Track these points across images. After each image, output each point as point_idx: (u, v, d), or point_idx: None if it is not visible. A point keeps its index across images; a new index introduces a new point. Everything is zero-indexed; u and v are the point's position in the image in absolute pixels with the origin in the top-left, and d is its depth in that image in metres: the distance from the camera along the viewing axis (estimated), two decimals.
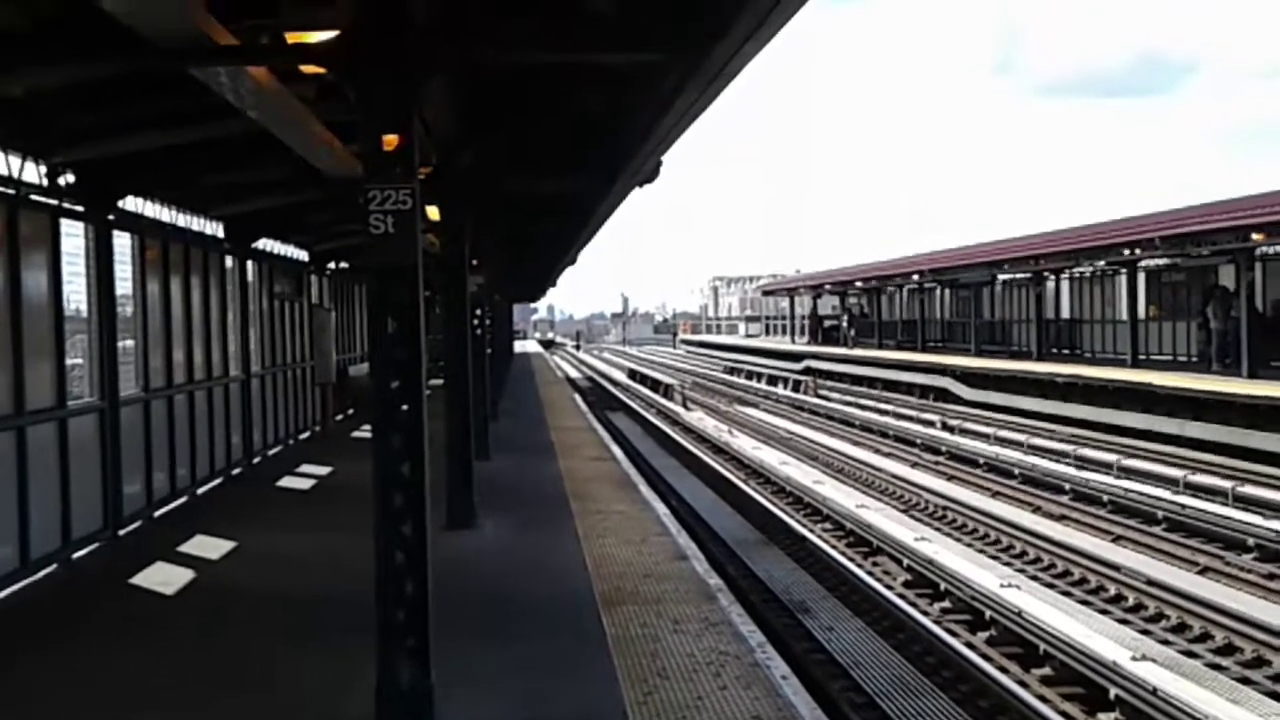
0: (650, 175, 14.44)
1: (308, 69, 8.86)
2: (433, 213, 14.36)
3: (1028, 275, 42.02)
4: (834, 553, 17.95)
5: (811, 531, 19.82)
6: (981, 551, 18.04)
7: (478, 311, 22.43)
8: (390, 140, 7.32)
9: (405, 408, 7.36)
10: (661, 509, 16.01)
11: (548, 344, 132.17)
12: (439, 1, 8.22)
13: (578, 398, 41.46)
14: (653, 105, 10.48)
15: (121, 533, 13.95)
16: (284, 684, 8.62)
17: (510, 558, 12.82)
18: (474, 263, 19.03)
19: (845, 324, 64.19)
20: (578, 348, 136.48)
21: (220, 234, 18.72)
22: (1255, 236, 28.00)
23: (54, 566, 12.17)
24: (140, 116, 11.87)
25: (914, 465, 28.00)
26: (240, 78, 8.95)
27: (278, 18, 7.92)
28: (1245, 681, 11.58)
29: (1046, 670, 12.11)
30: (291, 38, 8.04)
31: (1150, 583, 15.22)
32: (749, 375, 64.19)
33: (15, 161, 11.78)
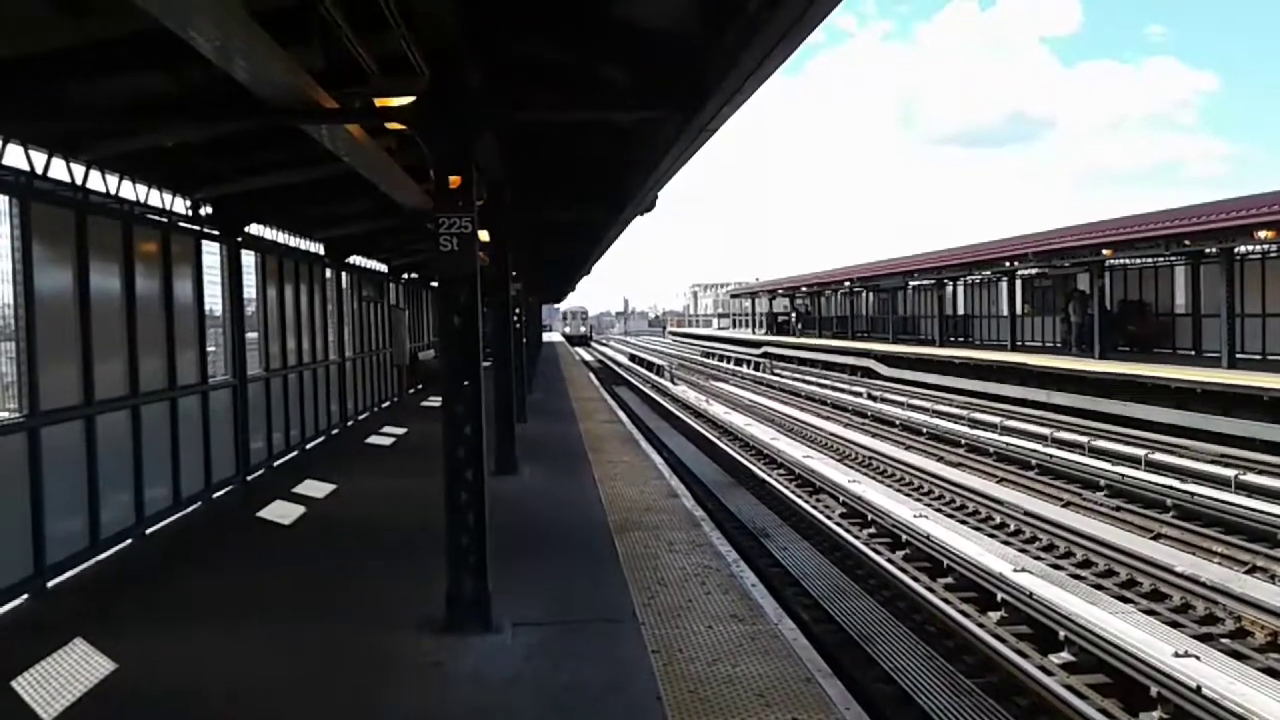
0: (649, 206, 14.40)
1: (391, 125, 8.83)
2: (483, 235, 14.32)
3: (932, 281, 41.99)
4: (787, 492, 17.97)
5: (770, 476, 19.83)
6: (899, 491, 18.08)
7: (516, 310, 22.38)
8: (454, 180, 7.31)
9: (467, 383, 7.36)
10: (658, 459, 15.98)
11: (581, 339, 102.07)
12: (490, 74, 8.20)
13: (592, 376, 41.43)
14: (652, 153, 10.45)
15: (249, 478, 13.93)
16: (374, 591, 8.61)
17: (544, 496, 12.79)
18: (513, 273, 18.98)
19: (794, 319, 64.22)
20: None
21: (321, 251, 18.65)
22: (1105, 252, 28.05)
23: (199, 504, 12.16)
24: (261, 162, 11.85)
25: (846, 425, 28.01)
26: (337, 132, 8.93)
27: (368, 85, 7.90)
28: (1099, 588, 11.62)
29: (949, 580, 12.14)
30: (379, 102, 8.02)
31: (1027, 514, 15.25)
32: (721, 358, 64.19)
33: (168, 197, 11.75)
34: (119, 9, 5.92)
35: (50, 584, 8.68)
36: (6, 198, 8.33)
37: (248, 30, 6.10)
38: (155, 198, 11.47)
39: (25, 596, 8.31)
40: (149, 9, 5.60)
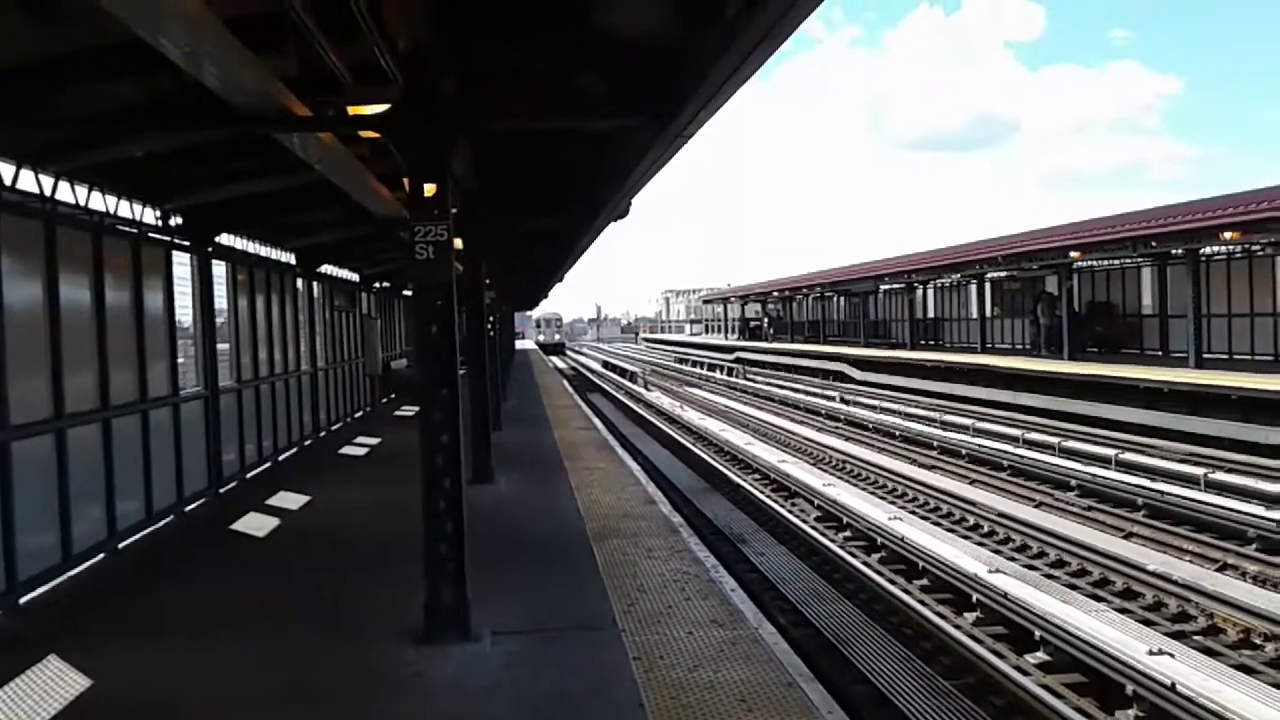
0: (623, 213, 14.38)
1: (365, 134, 8.80)
2: (457, 244, 14.23)
3: (903, 285, 42.28)
4: (762, 496, 18.00)
5: (745, 480, 19.85)
6: (873, 494, 18.14)
7: (490, 318, 22.31)
8: (430, 188, 7.30)
9: (444, 392, 7.33)
10: (634, 466, 15.99)
11: (555, 348, 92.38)
12: (465, 82, 8.18)
13: (565, 383, 41.37)
14: (627, 159, 10.44)
15: (222, 490, 13.80)
16: (351, 602, 8.55)
17: (520, 505, 12.76)
18: (487, 281, 18.93)
19: (766, 324, 64.40)
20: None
21: (293, 261, 18.53)
22: (1073, 254, 28.31)
23: (171, 517, 12.03)
24: (231, 171, 11.74)
25: (820, 430, 28.09)
26: (309, 140, 8.89)
27: (341, 94, 7.85)
28: (1072, 587, 11.70)
29: (925, 581, 12.20)
30: (352, 110, 7.98)
31: (1000, 515, 15.35)
32: (694, 364, 64.22)
33: (138, 208, 11.64)
34: (88, 17, 5.86)
35: (22, 600, 8.55)
36: None
37: (219, 37, 6.06)
38: (125, 208, 11.35)
39: None
40: (119, 15, 5.54)
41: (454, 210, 7.75)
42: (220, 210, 13.26)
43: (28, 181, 9.20)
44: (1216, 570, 12.39)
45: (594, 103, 8.58)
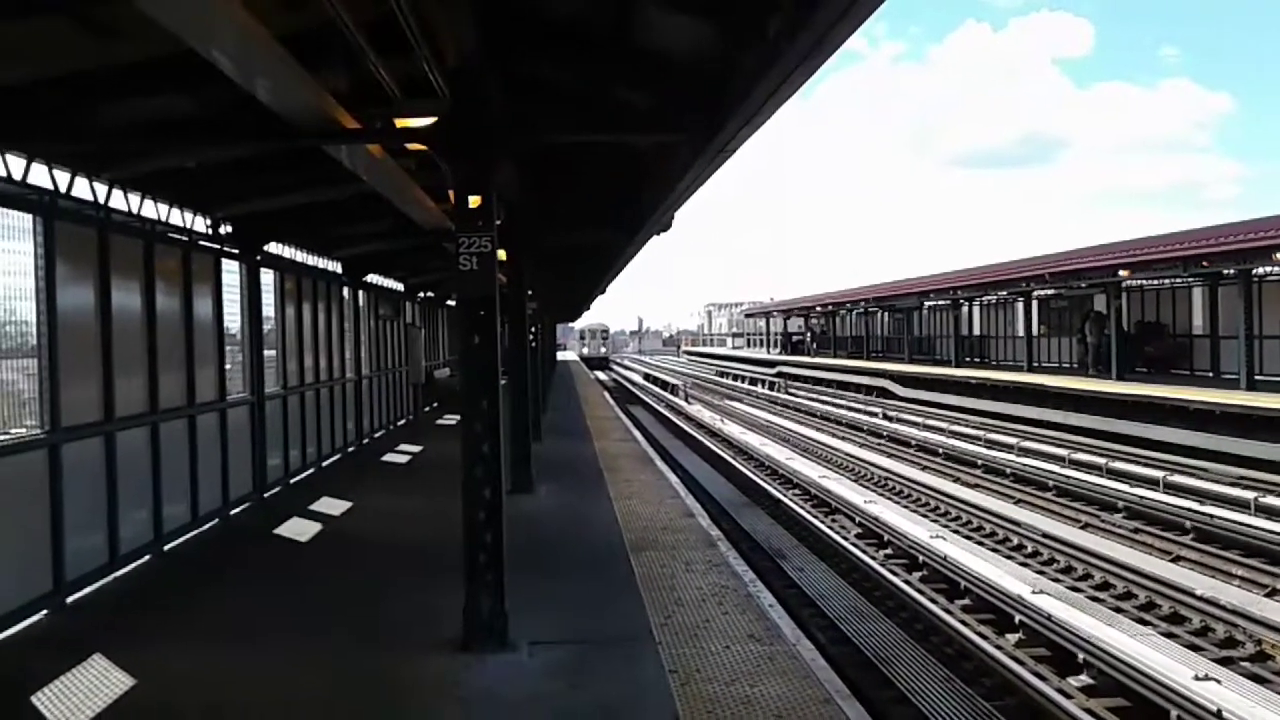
0: (665, 227, 14.42)
1: (411, 146, 8.91)
2: (501, 255, 14.37)
3: (948, 302, 41.92)
4: (802, 512, 17.92)
5: (785, 496, 19.77)
6: (915, 511, 17.97)
7: (532, 329, 22.44)
8: (475, 200, 7.36)
9: (485, 402, 7.39)
10: (673, 478, 15.97)
11: (600, 362, 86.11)
12: (510, 96, 8.27)
13: (606, 395, 41.44)
14: (669, 174, 10.49)
15: (266, 495, 14.00)
16: (391, 609, 8.63)
17: (560, 515, 12.80)
18: (529, 293, 19.05)
19: (808, 339, 64.11)
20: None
21: (339, 270, 18.78)
22: (1122, 273, 27.95)
23: (216, 520, 12.22)
24: (280, 183, 11.96)
25: (861, 446, 27.92)
26: (357, 152, 9.04)
27: (390, 107, 7.97)
28: (1118, 610, 11.53)
29: (967, 601, 12.07)
30: (399, 123, 8.11)
31: (1045, 535, 15.16)
32: (735, 378, 64.11)
33: (188, 216, 11.86)
34: (145, 31, 6.00)
35: (69, 600, 8.73)
36: (31, 216, 8.42)
37: (270, 51, 6.19)
38: (176, 216, 11.58)
39: (45, 612, 8.37)
40: (175, 31, 5.68)
41: (498, 222, 7.84)
42: (269, 219, 13.48)
43: (82, 189, 9.41)
44: (1266, 596, 12.14)
45: (636, 118, 8.65)
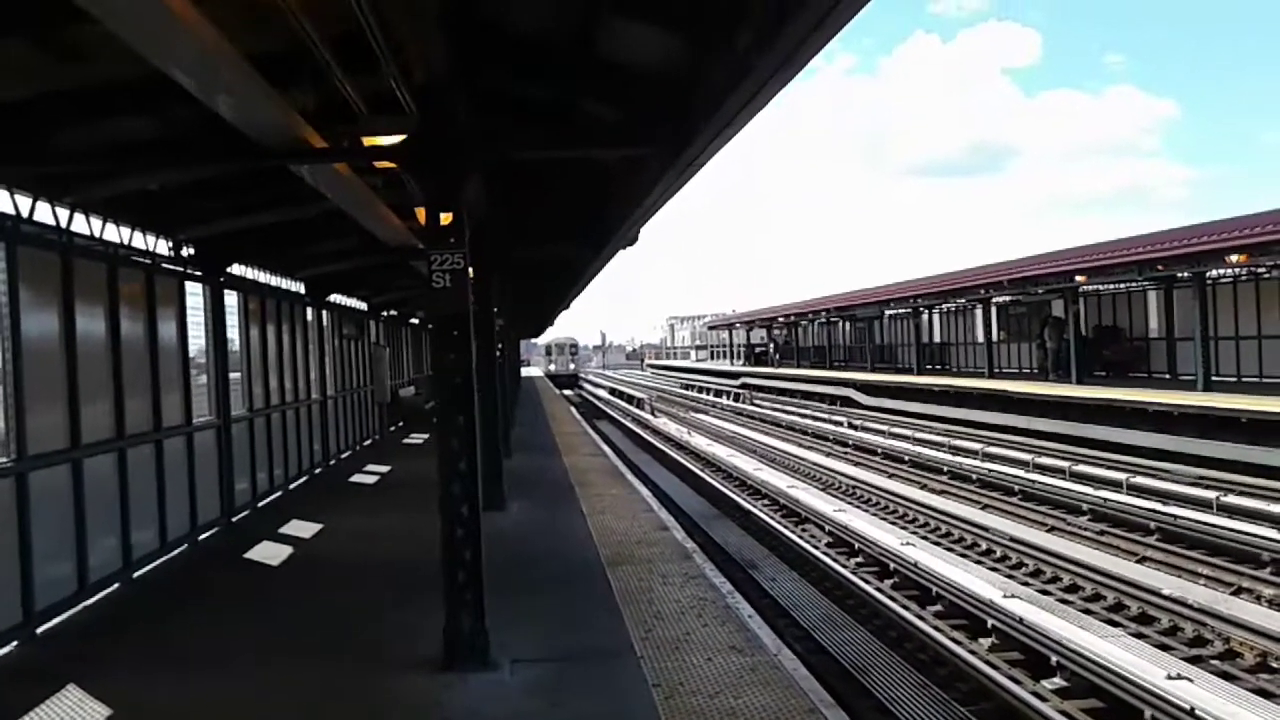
0: (631, 241, 14.41)
1: (380, 164, 8.86)
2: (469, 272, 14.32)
3: (908, 310, 42.26)
4: (773, 522, 17.96)
5: (754, 507, 19.80)
6: (884, 519, 18.08)
7: (499, 346, 22.35)
8: (446, 217, 7.34)
9: (461, 418, 7.35)
10: (645, 492, 15.95)
11: (569, 379, 77.37)
12: (479, 112, 8.25)
13: (572, 410, 41.33)
14: (638, 188, 10.48)
15: (234, 519, 13.82)
16: (369, 630, 8.51)
17: (534, 532, 12.72)
18: (495, 309, 18.98)
19: (772, 350, 64.38)
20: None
21: (303, 290, 18.62)
22: (1079, 278, 28.33)
23: (185, 546, 12.04)
24: (243, 202, 11.87)
25: (828, 455, 28.06)
26: (322, 170, 8.95)
27: (357, 124, 7.93)
28: (1088, 612, 11.65)
29: (939, 607, 12.14)
30: (367, 141, 8.06)
31: (1013, 540, 15.30)
32: (700, 390, 64.21)
33: (151, 239, 11.73)
34: (108, 52, 5.93)
35: (40, 630, 8.56)
36: None
37: (236, 68, 6.12)
38: (139, 240, 11.43)
39: (15, 643, 8.20)
40: (139, 50, 5.61)
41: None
42: (232, 240, 13.34)
43: (44, 213, 9.27)
44: (1232, 594, 12.33)
45: (605, 132, 8.65)
